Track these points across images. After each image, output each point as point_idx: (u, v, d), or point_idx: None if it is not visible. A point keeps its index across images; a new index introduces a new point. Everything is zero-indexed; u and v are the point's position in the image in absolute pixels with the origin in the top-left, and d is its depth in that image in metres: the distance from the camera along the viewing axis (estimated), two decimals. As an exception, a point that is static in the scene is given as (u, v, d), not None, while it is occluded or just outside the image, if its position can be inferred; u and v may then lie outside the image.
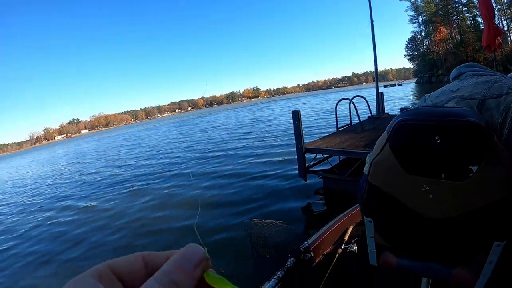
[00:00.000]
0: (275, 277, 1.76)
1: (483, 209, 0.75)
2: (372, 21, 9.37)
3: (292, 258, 1.90)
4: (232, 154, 11.14)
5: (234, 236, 4.81)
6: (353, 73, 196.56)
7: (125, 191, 8.45)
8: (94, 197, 8.58)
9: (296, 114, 5.50)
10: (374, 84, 10.20)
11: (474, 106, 0.93)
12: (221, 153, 11.68)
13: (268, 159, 9.06)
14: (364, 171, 1.13)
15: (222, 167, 9.05)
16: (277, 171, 7.59)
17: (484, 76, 0.99)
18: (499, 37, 3.73)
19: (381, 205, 0.95)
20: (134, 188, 8.59)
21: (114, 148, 25.99)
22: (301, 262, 1.94)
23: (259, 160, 9.19)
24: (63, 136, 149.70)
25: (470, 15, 47.01)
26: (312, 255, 2.00)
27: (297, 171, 6.06)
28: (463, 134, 0.72)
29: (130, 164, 13.58)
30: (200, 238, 0.32)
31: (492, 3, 4.02)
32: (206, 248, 0.26)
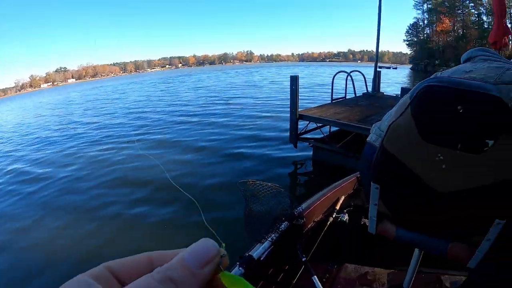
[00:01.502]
0: (269, 239, 1.70)
1: (492, 186, 0.76)
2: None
3: (286, 222, 1.83)
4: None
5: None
6: (349, 50, 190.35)
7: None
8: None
9: (294, 80, 5.50)
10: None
11: None
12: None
13: (255, 126, 9.09)
14: (368, 139, 1.12)
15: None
16: (264, 140, 7.67)
17: (496, 62, 0.97)
18: (506, 37, 3.77)
19: (391, 172, 0.93)
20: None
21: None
22: (294, 227, 1.89)
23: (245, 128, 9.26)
24: (49, 84, 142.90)
25: (476, 12, 45.68)
26: (304, 221, 1.96)
27: (286, 137, 6.05)
28: (487, 106, 0.72)
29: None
30: (214, 232, 0.28)
31: (505, 2, 4.00)
32: (224, 244, 0.23)
